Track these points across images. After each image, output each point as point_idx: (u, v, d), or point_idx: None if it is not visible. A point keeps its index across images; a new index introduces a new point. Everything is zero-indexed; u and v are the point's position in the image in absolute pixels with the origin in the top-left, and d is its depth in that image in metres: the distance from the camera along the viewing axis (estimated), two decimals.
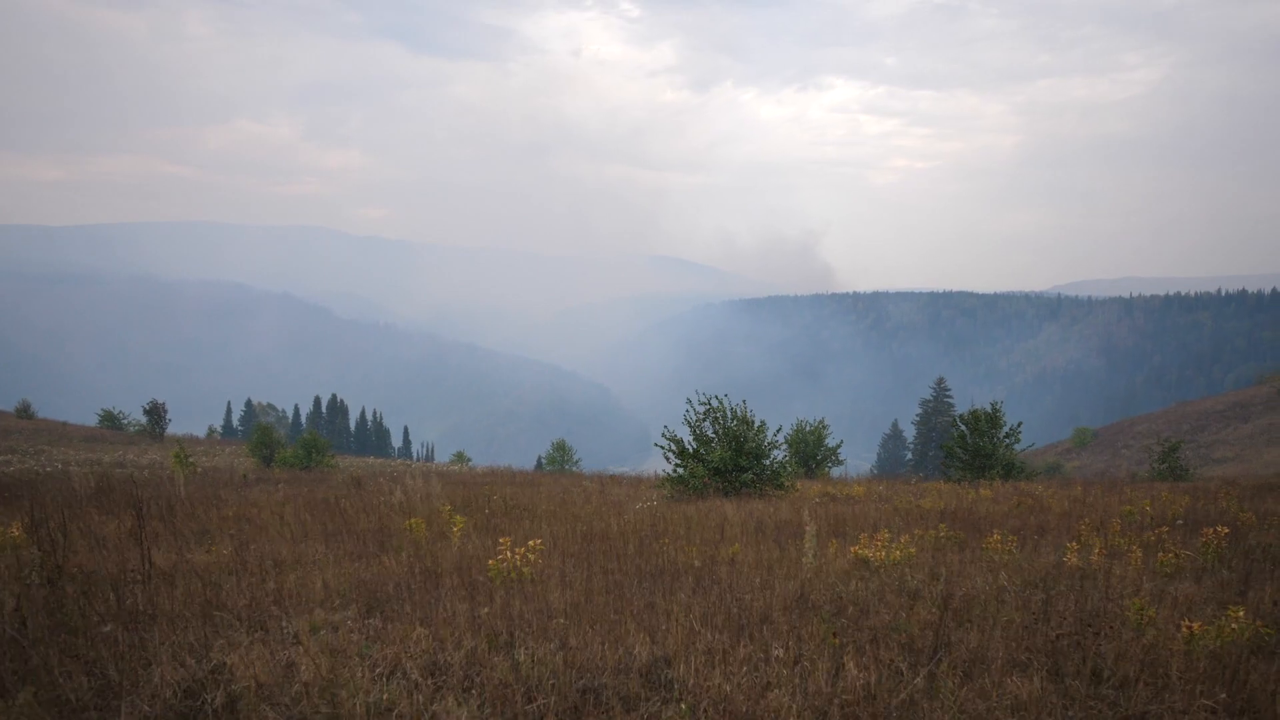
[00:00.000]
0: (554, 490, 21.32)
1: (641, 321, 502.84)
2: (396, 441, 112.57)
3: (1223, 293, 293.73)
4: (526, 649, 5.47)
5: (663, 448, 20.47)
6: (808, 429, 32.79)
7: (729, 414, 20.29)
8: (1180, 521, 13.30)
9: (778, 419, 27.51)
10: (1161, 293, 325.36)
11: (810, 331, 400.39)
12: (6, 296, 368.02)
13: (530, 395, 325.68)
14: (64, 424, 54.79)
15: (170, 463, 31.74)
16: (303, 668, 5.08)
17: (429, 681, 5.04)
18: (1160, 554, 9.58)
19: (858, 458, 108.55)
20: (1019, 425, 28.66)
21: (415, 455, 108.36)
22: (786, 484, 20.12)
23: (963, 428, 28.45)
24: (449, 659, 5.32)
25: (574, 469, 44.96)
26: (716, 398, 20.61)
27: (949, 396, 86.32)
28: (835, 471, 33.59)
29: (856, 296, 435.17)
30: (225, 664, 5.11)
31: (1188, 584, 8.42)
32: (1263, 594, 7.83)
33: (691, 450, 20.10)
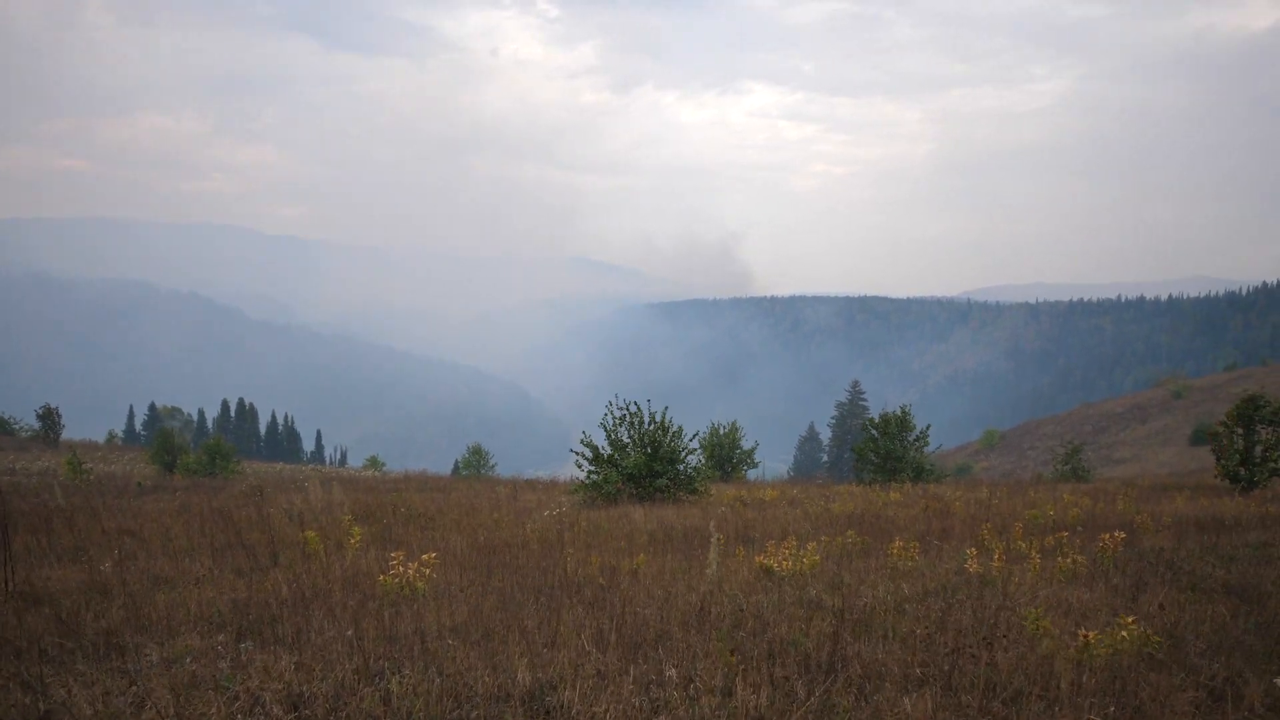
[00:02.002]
0: (465, 496, 20.85)
1: (561, 324, 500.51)
2: (309, 446, 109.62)
3: (1123, 299, 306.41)
4: (402, 676, 5.14)
5: (577, 453, 20.21)
6: (722, 431, 32.84)
7: (647, 419, 20.13)
8: (1079, 527, 13.57)
9: (698, 422, 27.47)
10: (1066, 299, 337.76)
11: (730, 334, 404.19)
12: None
13: (448, 399, 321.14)
14: None
15: (63, 470, 30.25)
16: (149, 704, 4.66)
17: (290, 716, 4.67)
18: (1059, 559, 9.68)
19: (775, 460, 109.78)
20: (928, 428, 29.21)
21: (328, 460, 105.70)
22: (700, 489, 20.03)
23: (873, 431, 28.84)
24: (315, 690, 4.95)
25: (490, 473, 44.31)
26: (634, 403, 20.42)
27: (864, 399, 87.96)
28: (751, 474, 33.73)
29: (775, 300, 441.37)
30: (65, 700, 4.65)
31: (1083, 590, 8.50)
32: (1153, 600, 7.93)
33: (606, 455, 19.88)
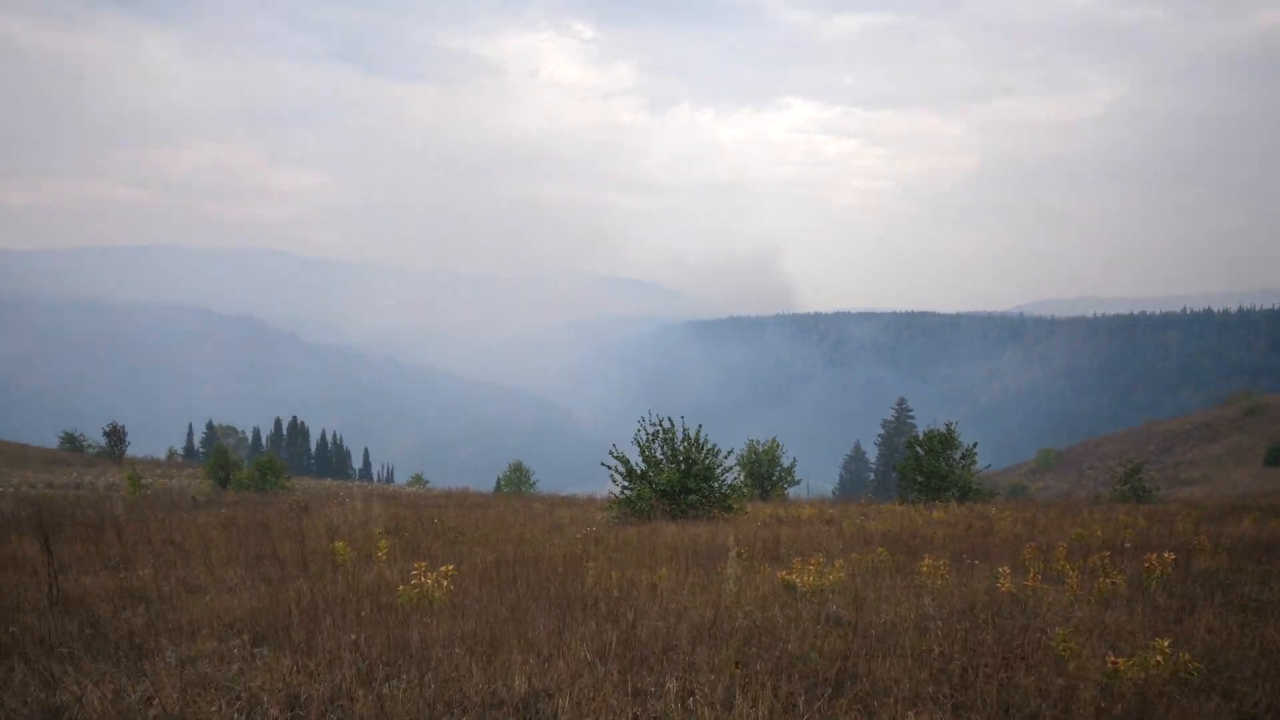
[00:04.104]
0: (502, 512, 20.94)
1: (597, 342, 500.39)
2: (357, 463, 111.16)
3: (1188, 311, 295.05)
4: (399, 681, 5.15)
5: (609, 468, 20.14)
6: (761, 448, 32.48)
7: (680, 435, 20.01)
8: (1128, 545, 13.14)
9: (739, 441, 27.14)
10: (1123, 312, 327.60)
11: (771, 352, 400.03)
12: None
13: (489, 417, 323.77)
14: (24, 446, 53.84)
15: (125, 485, 31.09)
16: (156, 702, 4.76)
17: (286, 716, 4.72)
18: (1099, 579, 9.36)
19: (821, 479, 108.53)
20: (974, 446, 28.49)
21: (376, 477, 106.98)
22: (735, 506, 19.83)
23: (917, 449, 28.24)
24: (313, 691, 5.00)
25: (531, 490, 44.46)
26: (668, 419, 20.33)
27: (910, 417, 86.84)
28: (793, 492, 33.31)
29: (818, 317, 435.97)
30: (76, 697, 4.75)
31: (1121, 612, 8.21)
32: (1199, 623, 7.60)
33: (639, 472, 19.79)
